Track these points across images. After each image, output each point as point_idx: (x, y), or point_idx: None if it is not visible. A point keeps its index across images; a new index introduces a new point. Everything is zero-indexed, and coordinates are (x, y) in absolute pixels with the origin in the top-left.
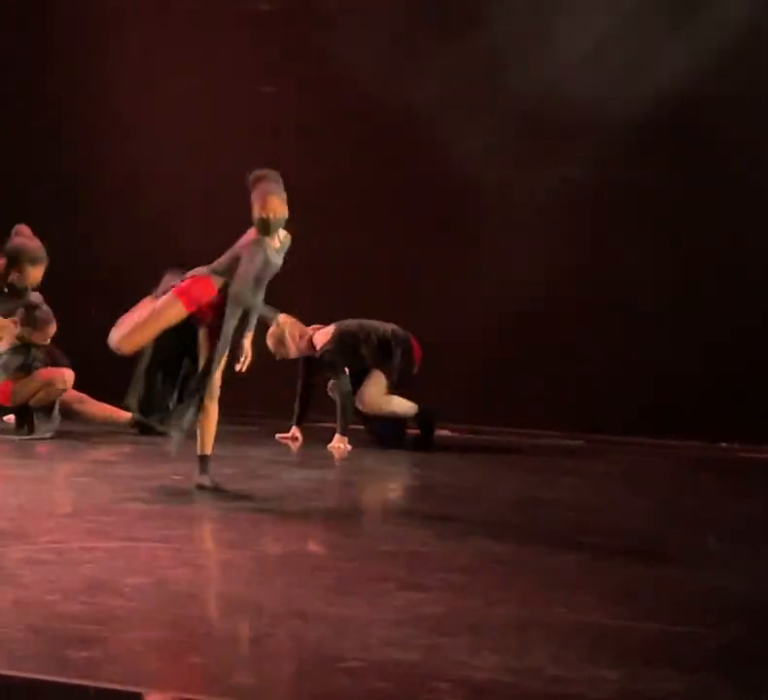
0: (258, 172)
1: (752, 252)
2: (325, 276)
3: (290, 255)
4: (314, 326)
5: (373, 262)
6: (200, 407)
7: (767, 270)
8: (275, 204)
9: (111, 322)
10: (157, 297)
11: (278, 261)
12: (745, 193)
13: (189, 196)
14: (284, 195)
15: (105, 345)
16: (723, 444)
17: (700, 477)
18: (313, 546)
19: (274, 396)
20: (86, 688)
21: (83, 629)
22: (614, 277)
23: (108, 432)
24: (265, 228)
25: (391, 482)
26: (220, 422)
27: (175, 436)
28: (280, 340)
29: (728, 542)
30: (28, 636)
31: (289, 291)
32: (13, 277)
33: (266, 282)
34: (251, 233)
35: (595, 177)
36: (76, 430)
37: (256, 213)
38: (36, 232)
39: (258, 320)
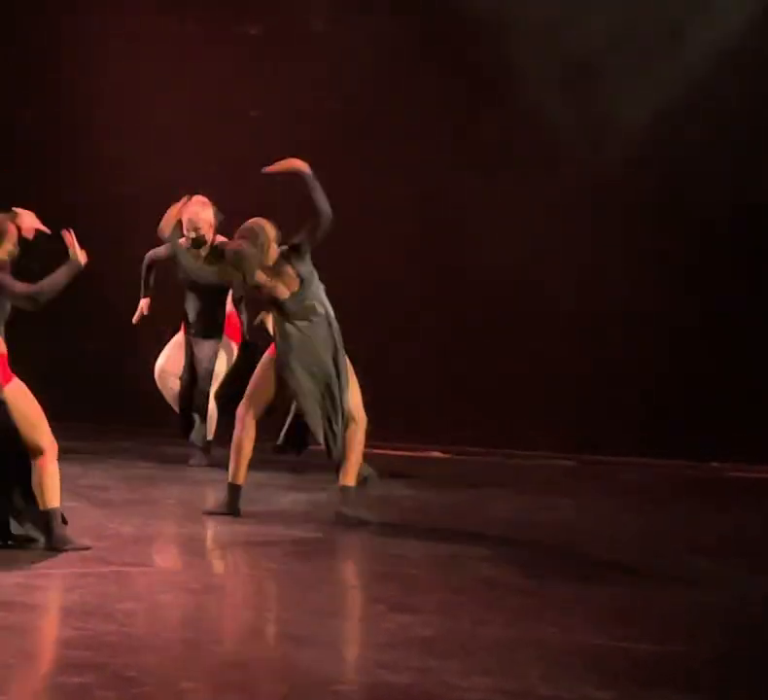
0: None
1: (745, 272)
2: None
3: None
4: None
5: (367, 277)
6: None
7: (755, 290)
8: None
9: None
10: None
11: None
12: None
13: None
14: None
15: None
16: (714, 464)
17: (691, 497)
18: (304, 569)
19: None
20: None
21: (75, 655)
22: (604, 298)
23: (99, 456)
24: None
25: (382, 504)
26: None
27: None
28: None
29: (720, 562)
30: (21, 661)
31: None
32: None
33: None
34: None
35: (591, 190)
36: (66, 456)
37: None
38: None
39: None
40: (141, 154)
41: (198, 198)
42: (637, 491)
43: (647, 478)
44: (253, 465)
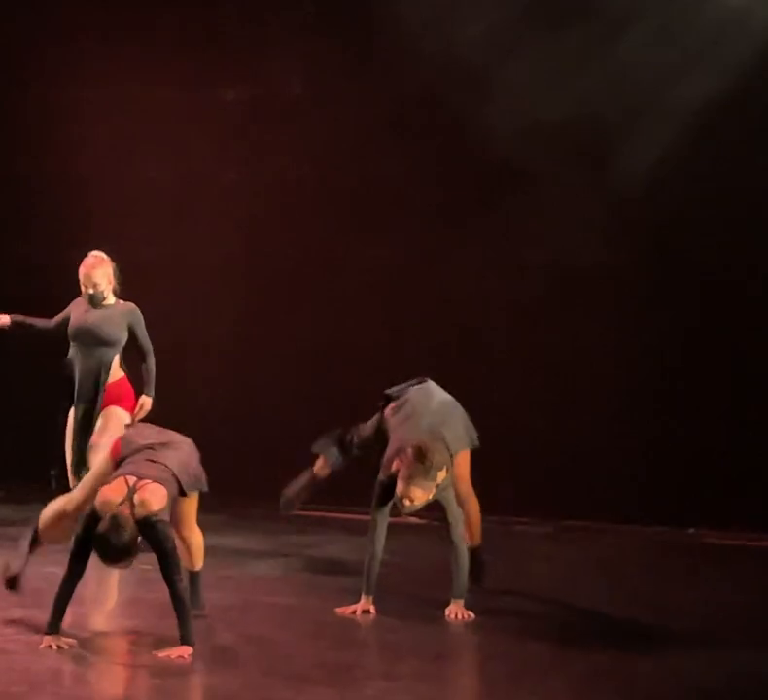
0: (419, 445)
1: (722, 342)
2: (309, 365)
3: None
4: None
5: (358, 345)
6: None
7: (732, 358)
8: (416, 494)
9: None
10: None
11: None
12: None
13: (158, 285)
14: (429, 485)
15: None
16: (691, 530)
17: (668, 563)
18: (280, 635)
19: (244, 481)
20: None
21: None
22: (579, 364)
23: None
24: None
25: (359, 570)
26: None
27: None
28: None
29: (698, 628)
30: None
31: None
32: None
33: None
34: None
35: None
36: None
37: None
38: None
39: None
40: (118, 217)
41: (95, 253)
42: (614, 557)
43: (624, 544)
44: (227, 529)
